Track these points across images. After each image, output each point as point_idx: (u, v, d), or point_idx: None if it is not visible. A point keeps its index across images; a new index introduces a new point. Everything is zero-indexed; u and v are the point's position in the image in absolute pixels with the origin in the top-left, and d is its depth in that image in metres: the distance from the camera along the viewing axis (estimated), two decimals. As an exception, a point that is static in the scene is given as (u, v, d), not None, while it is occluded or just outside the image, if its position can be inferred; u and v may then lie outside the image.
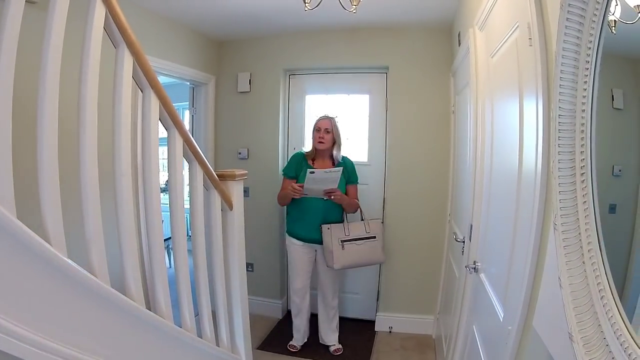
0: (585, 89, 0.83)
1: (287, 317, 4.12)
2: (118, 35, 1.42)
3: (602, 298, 0.70)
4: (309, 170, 3.08)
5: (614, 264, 0.83)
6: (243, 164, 4.15)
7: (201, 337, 1.97)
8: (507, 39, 1.72)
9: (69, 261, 1.16)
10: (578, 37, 0.84)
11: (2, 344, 0.99)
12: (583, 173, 0.83)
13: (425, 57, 3.77)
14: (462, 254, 2.59)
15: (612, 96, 0.90)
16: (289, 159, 3.69)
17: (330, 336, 3.63)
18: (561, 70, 0.90)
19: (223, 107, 4.26)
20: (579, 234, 0.81)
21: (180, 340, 1.77)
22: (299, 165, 3.41)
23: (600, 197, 0.85)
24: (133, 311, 1.45)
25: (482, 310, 2.07)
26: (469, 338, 2.30)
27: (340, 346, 3.61)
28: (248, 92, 4.17)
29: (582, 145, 0.87)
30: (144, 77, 1.55)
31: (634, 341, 0.61)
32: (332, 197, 3.21)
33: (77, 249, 1.29)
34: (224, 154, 4.28)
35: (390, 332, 4.01)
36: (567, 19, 0.84)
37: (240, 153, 4.21)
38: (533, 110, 1.30)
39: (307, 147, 3.59)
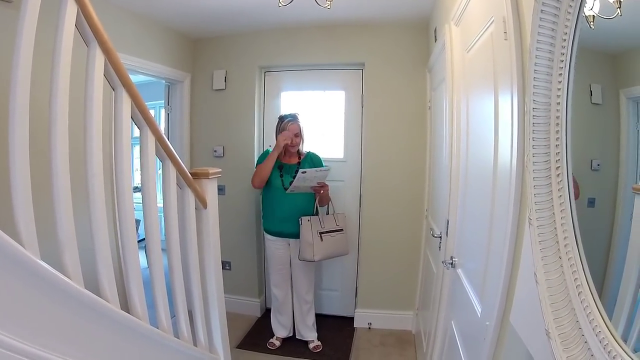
0: (560, 82, 0.82)
1: (266, 316, 4.12)
2: (90, 34, 1.39)
3: (579, 294, 0.70)
4: (300, 169, 3.21)
5: (593, 258, 0.83)
6: (219, 162, 4.11)
7: (178, 338, 1.95)
8: (482, 33, 1.72)
9: (42, 263, 1.13)
10: (553, 30, 0.83)
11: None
12: (558, 167, 0.82)
13: (401, 53, 3.77)
14: (440, 250, 2.60)
15: (591, 91, 0.90)
16: (260, 154, 3.76)
17: (308, 332, 3.65)
18: (535, 64, 0.89)
19: (198, 105, 4.20)
20: (555, 229, 0.80)
21: (157, 341, 1.74)
22: None
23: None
24: (107, 312, 1.42)
25: (460, 305, 2.07)
26: (447, 333, 2.31)
27: (319, 343, 3.62)
28: (223, 89, 4.12)
29: (557, 139, 0.86)
30: (116, 75, 1.51)
31: (613, 337, 0.60)
32: (322, 191, 3.34)
33: (50, 250, 1.25)
34: (199, 152, 4.22)
35: (369, 328, 4.01)
36: (542, 11, 0.83)
37: (215, 151, 4.16)
38: (508, 105, 1.29)
39: (274, 142, 3.59)
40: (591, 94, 0.91)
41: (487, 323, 1.40)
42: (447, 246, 2.35)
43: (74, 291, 1.26)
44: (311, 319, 3.67)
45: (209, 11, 3.45)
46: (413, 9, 3.36)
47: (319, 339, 3.66)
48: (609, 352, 0.59)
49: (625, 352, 0.58)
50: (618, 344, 0.58)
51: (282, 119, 3.47)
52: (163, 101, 4.28)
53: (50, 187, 1.25)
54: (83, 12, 1.33)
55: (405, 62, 3.77)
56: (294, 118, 3.43)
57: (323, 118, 4.02)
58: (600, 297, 0.76)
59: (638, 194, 0.78)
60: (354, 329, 4.01)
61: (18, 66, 1.11)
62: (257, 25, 3.83)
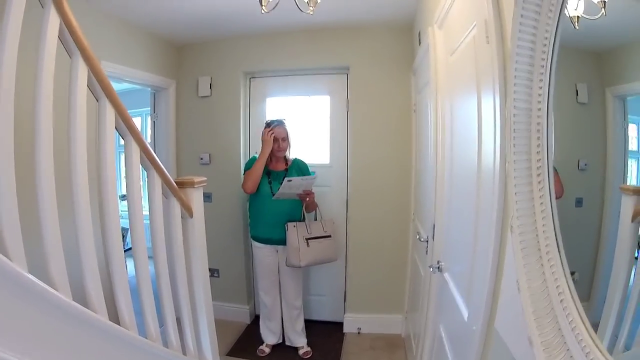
0: (540, 87, 0.83)
1: (255, 322, 4.10)
2: (73, 45, 1.40)
3: (562, 301, 0.70)
4: (286, 178, 3.22)
5: (581, 259, 0.85)
6: (205, 169, 4.10)
7: (167, 347, 1.94)
8: (465, 37, 1.73)
9: (29, 276, 1.15)
10: (534, 34, 0.85)
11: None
12: (539, 174, 0.83)
13: (385, 56, 3.80)
14: (426, 254, 2.61)
15: (577, 90, 0.91)
16: (247, 161, 3.75)
17: (297, 339, 3.65)
18: (516, 69, 0.90)
19: (184, 112, 4.20)
20: (537, 235, 0.81)
21: (146, 351, 1.75)
22: None
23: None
24: (95, 323, 1.43)
25: (447, 309, 2.09)
26: (436, 337, 2.32)
27: (309, 349, 3.62)
28: (209, 96, 4.12)
29: (538, 146, 0.87)
30: (99, 86, 1.52)
31: (596, 346, 0.60)
32: (308, 198, 3.36)
33: (36, 261, 1.26)
34: (186, 160, 4.21)
35: (359, 333, 4.02)
36: (522, 15, 0.84)
37: (202, 158, 4.15)
38: (491, 110, 1.30)
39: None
40: (577, 94, 0.92)
41: (474, 328, 1.41)
42: (434, 250, 2.36)
43: (62, 303, 1.27)
44: (300, 325, 3.67)
45: (193, 17, 3.45)
46: (396, 11, 3.40)
47: (308, 344, 3.66)
48: (588, 358, 0.59)
49: (603, 354, 0.58)
50: (599, 349, 0.59)
51: (268, 124, 3.47)
52: (149, 108, 4.26)
53: (35, 198, 1.26)
54: (65, 24, 1.34)
55: (390, 65, 3.79)
56: (280, 123, 3.45)
57: (308, 123, 4.04)
58: (589, 297, 0.78)
59: (626, 194, 0.79)
60: (343, 334, 4.02)
61: (1, 77, 1.11)
62: (241, 30, 3.85)
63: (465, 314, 1.62)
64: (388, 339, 3.89)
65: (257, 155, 3.52)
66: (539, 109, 0.88)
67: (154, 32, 3.76)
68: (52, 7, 1.29)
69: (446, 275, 2.10)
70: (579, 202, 0.95)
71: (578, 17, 0.83)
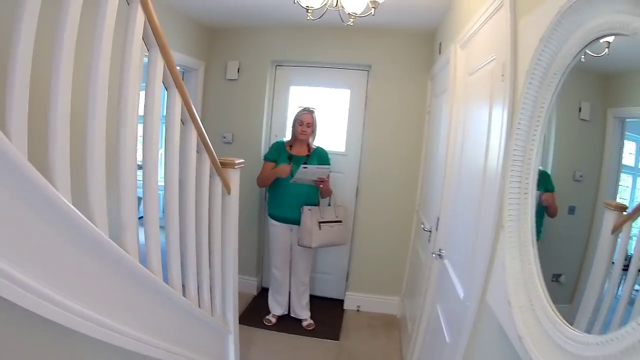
0: (535, 135, 1.09)
1: (262, 294, 4.40)
2: (153, 39, 1.65)
3: (530, 277, 1.00)
4: (302, 165, 3.42)
5: (570, 262, 0.97)
6: (227, 148, 4.35)
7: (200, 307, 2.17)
8: (484, 65, 1.97)
9: (75, 209, 1.18)
10: (535, 97, 1.09)
11: (7, 292, 1.01)
12: (526, 193, 1.10)
13: (406, 58, 4.04)
14: (429, 242, 2.90)
15: (580, 108, 0.98)
16: (270, 145, 3.98)
17: (302, 312, 3.95)
18: (519, 122, 1.16)
19: (211, 92, 4.41)
20: (519, 234, 1.09)
21: (185, 310, 1.98)
22: (278, 151, 3.74)
23: (559, 200, 1.06)
24: (155, 286, 1.66)
25: (445, 291, 2.39)
26: (432, 316, 2.62)
27: (312, 322, 3.92)
28: (236, 79, 4.35)
29: (527, 176, 1.13)
30: (171, 77, 1.75)
31: (550, 307, 0.90)
32: (322, 185, 3.59)
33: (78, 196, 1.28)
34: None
35: (358, 310, 4.34)
36: (532, 74, 1.10)
37: (225, 137, 4.40)
38: (498, 131, 1.56)
39: (289, 135, 3.85)
40: (580, 111, 0.98)
41: (468, 304, 1.72)
42: (436, 240, 2.66)
43: (102, 240, 1.32)
44: (305, 300, 3.97)
45: (228, 5, 3.66)
46: (422, 21, 3.63)
47: (311, 317, 3.96)
48: (547, 315, 0.89)
49: (553, 311, 0.88)
50: (552, 309, 0.88)
51: (301, 110, 3.72)
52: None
53: (84, 135, 1.32)
54: (149, 20, 1.57)
55: (409, 67, 4.04)
56: (309, 110, 3.68)
57: (328, 113, 4.27)
58: (572, 299, 0.94)
59: (608, 208, 0.85)
60: (343, 310, 4.33)
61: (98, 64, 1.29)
62: (272, 21, 4.05)
63: (462, 294, 1.92)
64: (385, 318, 4.20)
65: (279, 139, 3.82)
66: (531, 150, 1.09)
67: (188, 15, 3.93)
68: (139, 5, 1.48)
69: (446, 261, 2.40)
70: (571, 210, 1.03)
71: (585, 53, 0.90)
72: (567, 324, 0.84)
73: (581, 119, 0.98)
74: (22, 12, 1.02)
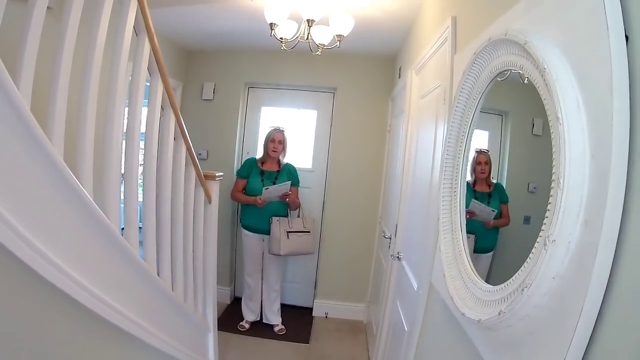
0: (460, 147, 1.42)
1: (235, 303, 4.61)
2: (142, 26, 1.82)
3: (460, 255, 1.31)
4: (264, 188, 3.75)
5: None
6: (202, 164, 4.37)
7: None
8: (432, 90, 2.29)
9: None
10: (461, 117, 1.41)
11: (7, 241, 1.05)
12: (455, 194, 1.43)
13: (368, 81, 4.40)
14: (389, 248, 3.21)
15: (533, 124, 1.04)
16: (242, 162, 4.25)
17: (274, 317, 4.18)
18: (449, 138, 1.48)
19: (188, 111, 4.61)
20: (452, 229, 1.41)
21: (174, 303, 2.15)
22: (250, 168, 4.01)
23: (514, 210, 1.18)
24: (154, 283, 1.84)
25: (402, 287, 2.69)
26: (393, 311, 2.91)
27: (283, 327, 4.16)
28: (211, 99, 4.62)
29: (456, 183, 1.45)
30: (155, 64, 1.94)
31: (474, 274, 1.22)
32: (288, 199, 3.86)
33: None
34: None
35: (326, 317, 4.59)
36: (457, 104, 1.44)
37: (200, 154, 4.58)
38: (440, 149, 1.87)
39: (260, 152, 4.12)
40: (533, 126, 1.04)
41: (420, 292, 2.03)
42: (395, 244, 2.97)
43: (89, 204, 1.37)
44: (277, 306, 4.22)
45: (205, 29, 3.92)
46: (384, 47, 3.99)
47: (282, 323, 4.19)
48: (472, 281, 1.20)
49: (476, 276, 1.20)
50: (476, 276, 1.20)
51: (271, 130, 3.98)
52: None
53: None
54: (153, 51, 1.83)
55: (372, 90, 4.40)
56: (279, 130, 3.95)
57: (297, 132, 4.56)
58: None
59: None
60: (312, 317, 4.57)
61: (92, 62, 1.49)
62: (246, 45, 4.34)
63: (416, 285, 2.23)
64: (351, 323, 4.47)
65: (250, 157, 4.12)
66: (456, 167, 1.43)
67: (167, 37, 4.12)
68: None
69: (403, 262, 2.71)
70: (527, 220, 1.09)
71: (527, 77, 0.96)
72: (483, 281, 1.15)
73: (534, 134, 1.04)
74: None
